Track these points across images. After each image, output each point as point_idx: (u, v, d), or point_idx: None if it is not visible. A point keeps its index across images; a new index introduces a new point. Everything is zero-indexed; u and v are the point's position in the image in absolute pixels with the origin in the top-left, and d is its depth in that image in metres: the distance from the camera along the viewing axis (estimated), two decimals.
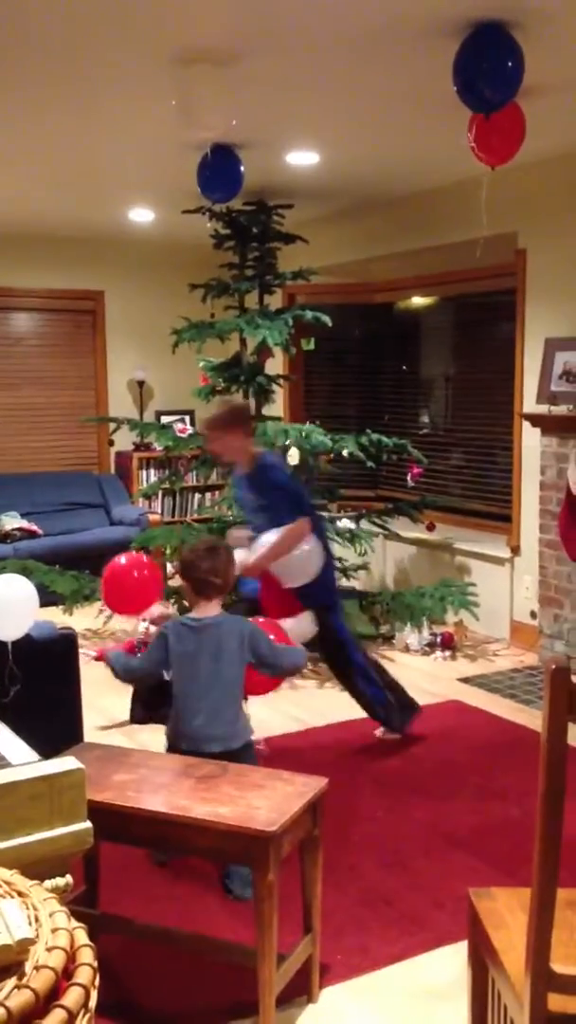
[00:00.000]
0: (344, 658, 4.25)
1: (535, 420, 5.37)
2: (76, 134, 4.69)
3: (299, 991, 2.53)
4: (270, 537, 3.93)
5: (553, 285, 5.48)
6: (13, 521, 7.15)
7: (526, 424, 5.57)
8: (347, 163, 5.42)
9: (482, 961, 2.08)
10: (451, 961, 2.69)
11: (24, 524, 7.15)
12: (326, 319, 5.78)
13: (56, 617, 4.78)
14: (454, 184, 5.95)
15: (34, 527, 7.17)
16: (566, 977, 1.73)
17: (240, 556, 3.82)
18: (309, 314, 5.79)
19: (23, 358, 7.83)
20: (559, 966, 1.73)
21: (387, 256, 6.76)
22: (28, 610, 3.55)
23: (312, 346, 6.20)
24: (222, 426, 3.99)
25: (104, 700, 4.42)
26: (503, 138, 3.47)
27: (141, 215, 6.84)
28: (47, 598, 6.00)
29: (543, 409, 5.34)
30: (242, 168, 4.82)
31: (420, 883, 3.12)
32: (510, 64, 3.18)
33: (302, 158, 5.22)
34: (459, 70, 3.24)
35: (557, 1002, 1.74)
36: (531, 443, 5.59)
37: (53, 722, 3.62)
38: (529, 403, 5.58)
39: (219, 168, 4.71)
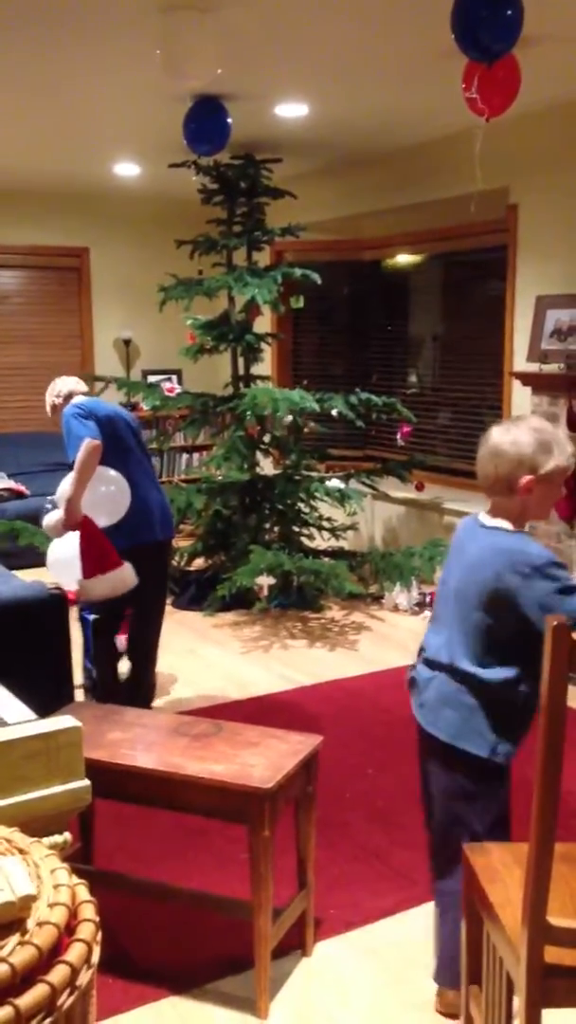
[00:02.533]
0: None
1: (526, 379, 5.34)
2: (58, 85, 4.58)
3: (294, 945, 2.55)
4: (67, 479, 3.79)
5: (545, 241, 5.42)
6: (0, 482, 7.09)
7: (516, 383, 5.54)
8: (337, 115, 5.33)
9: (477, 915, 2.10)
10: None
11: (11, 485, 7.10)
12: (315, 277, 5.72)
13: (45, 577, 4.76)
14: (445, 138, 5.86)
15: (21, 487, 7.12)
16: (562, 930, 1.75)
17: (53, 518, 3.79)
18: (298, 271, 5.72)
19: (7, 316, 7.72)
20: (555, 919, 1.74)
21: (376, 212, 6.67)
22: None
23: (301, 304, 6.14)
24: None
25: None
26: (498, 89, 3.40)
27: (127, 169, 6.72)
28: (36, 559, 5.99)
29: (534, 368, 5.30)
30: (229, 120, 4.73)
31: (411, 839, 3.14)
32: (510, 12, 3.11)
33: (291, 110, 5.12)
34: (459, 18, 3.16)
35: (553, 954, 1.76)
36: (521, 402, 5.57)
37: (44, 681, 3.61)
38: (519, 362, 5.55)
39: (205, 120, 4.63)
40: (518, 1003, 1.81)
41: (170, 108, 4.88)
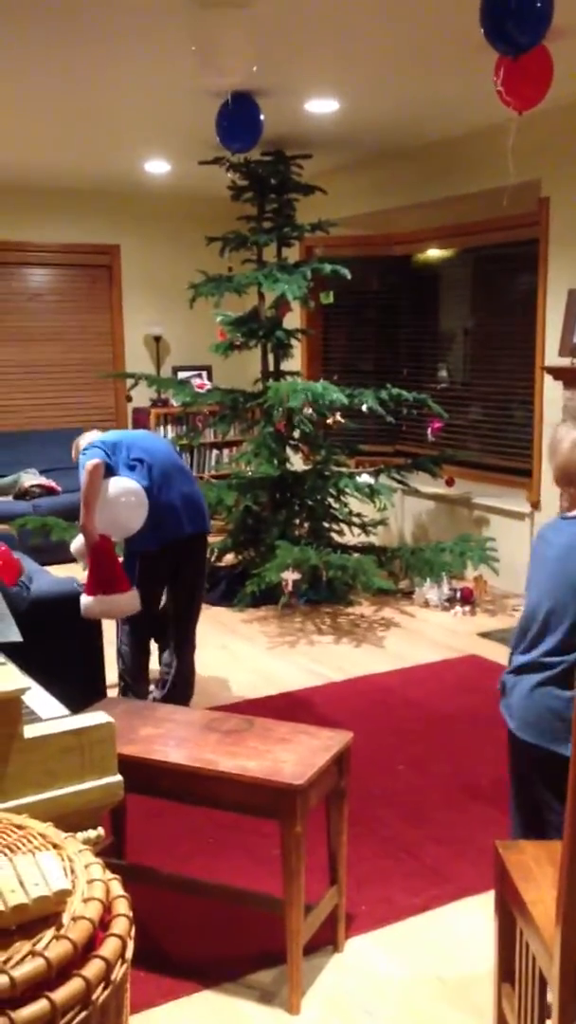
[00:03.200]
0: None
1: (557, 373, 5.30)
2: (90, 82, 4.60)
3: (325, 941, 2.56)
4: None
5: None
6: (32, 478, 7.15)
7: (548, 377, 5.50)
8: (367, 110, 5.31)
9: (509, 913, 2.10)
10: (475, 912, 2.72)
11: (43, 481, 7.16)
12: (345, 272, 5.70)
13: (76, 573, 4.79)
14: (476, 131, 5.82)
15: (52, 484, 7.17)
16: None
17: (78, 544, 3.93)
18: (328, 267, 5.71)
19: (38, 314, 7.78)
20: None
21: (406, 207, 6.64)
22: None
23: (331, 300, 6.13)
24: None
25: None
26: (531, 81, 3.38)
27: (157, 166, 6.74)
28: (67, 555, 6.04)
29: (565, 362, 5.27)
30: (262, 117, 4.72)
31: (443, 835, 3.14)
32: (539, 4, 3.08)
33: (322, 106, 5.11)
34: (487, 10, 3.14)
35: None
36: (553, 396, 5.53)
37: (75, 677, 3.64)
38: (551, 356, 5.51)
39: (239, 117, 4.62)
40: (551, 1001, 1.80)
41: (200, 105, 4.89)
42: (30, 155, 6.32)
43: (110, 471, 3.86)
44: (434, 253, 6.85)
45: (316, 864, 2.65)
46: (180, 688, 4.13)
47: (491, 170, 5.62)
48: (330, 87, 4.81)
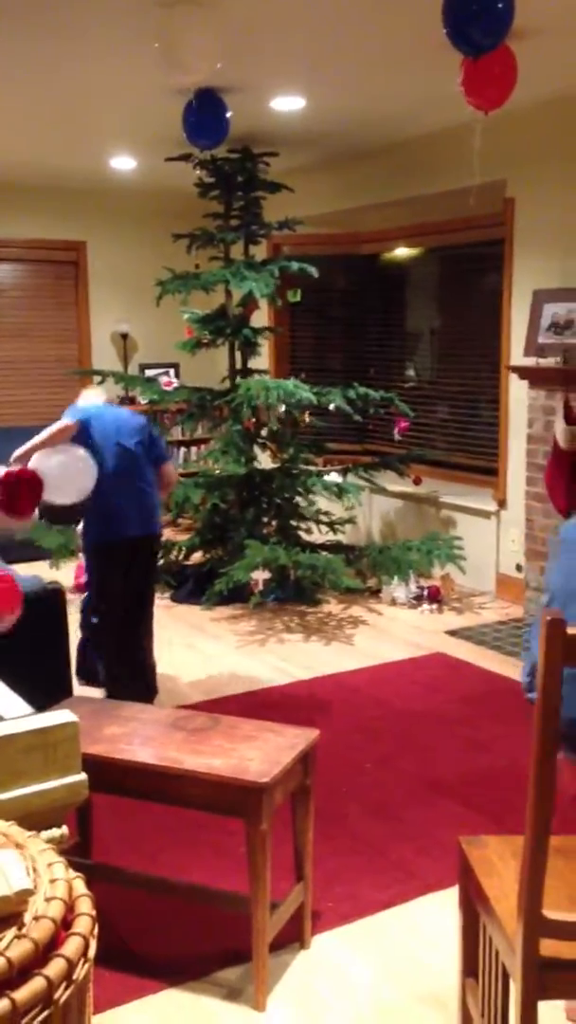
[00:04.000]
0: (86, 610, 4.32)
1: (523, 373, 5.34)
2: (55, 78, 4.57)
3: (291, 938, 2.56)
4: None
5: (542, 235, 5.42)
6: None
7: (513, 377, 5.54)
8: (334, 109, 5.32)
9: (473, 908, 2.11)
10: (440, 908, 2.73)
11: None
12: (312, 270, 5.71)
13: (43, 572, 4.76)
14: (442, 131, 5.85)
15: None
16: (558, 923, 1.75)
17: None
18: (295, 265, 5.72)
19: (3, 310, 7.71)
20: (551, 912, 1.75)
21: (373, 205, 6.67)
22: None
23: (298, 298, 6.14)
24: None
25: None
26: (493, 82, 3.40)
27: (123, 163, 6.71)
28: (33, 553, 6.01)
29: (531, 362, 5.31)
30: (228, 114, 4.72)
31: (408, 832, 3.16)
32: (500, 5, 3.10)
33: (288, 103, 5.11)
34: (448, 11, 3.16)
35: (549, 947, 1.76)
36: (518, 396, 5.57)
37: (41, 676, 3.62)
38: (516, 356, 5.55)
39: (205, 114, 4.62)
40: (514, 995, 1.82)
41: (167, 101, 4.87)
42: None
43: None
44: (401, 252, 6.87)
45: (282, 861, 2.65)
46: (143, 684, 4.14)
47: (457, 170, 5.66)
48: (296, 85, 4.82)
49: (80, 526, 4.26)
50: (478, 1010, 2.08)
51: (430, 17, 3.65)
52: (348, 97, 5.08)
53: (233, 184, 5.92)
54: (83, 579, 4.24)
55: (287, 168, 6.38)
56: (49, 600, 3.87)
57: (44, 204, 7.66)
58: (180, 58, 3.66)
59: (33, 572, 4.39)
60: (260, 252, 6.36)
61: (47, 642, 3.85)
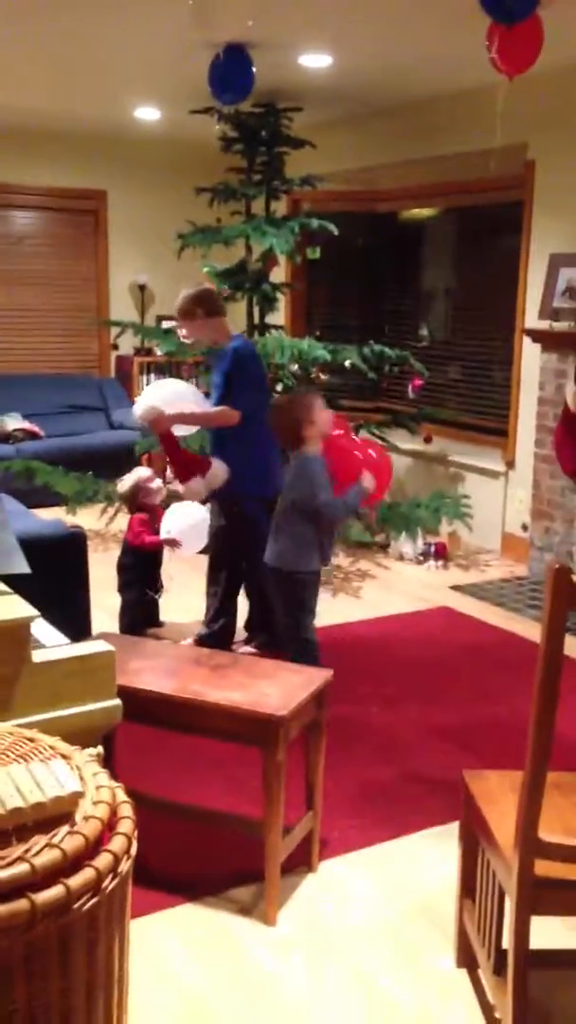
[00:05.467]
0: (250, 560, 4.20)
1: (536, 336, 5.43)
2: (84, 26, 4.60)
3: (300, 862, 2.74)
4: (201, 406, 4.17)
5: (561, 199, 5.48)
6: (15, 422, 7.21)
7: (527, 339, 5.63)
8: (360, 66, 5.35)
9: (473, 835, 2.28)
10: (440, 841, 2.91)
11: (26, 425, 7.22)
12: (332, 227, 5.77)
13: (62, 517, 4.90)
14: (465, 92, 5.87)
15: (35, 428, 7.24)
16: (551, 845, 1.92)
17: (197, 486, 4.03)
18: (315, 222, 5.77)
19: (23, 258, 7.78)
20: (545, 834, 1.91)
21: (394, 164, 6.70)
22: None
23: (317, 255, 6.19)
24: (182, 315, 4.21)
25: (109, 599, 4.57)
26: (523, 49, 3.46)
27: (147, 113, 6.73)
28: (50, 499, 6.15)
29: (544, 325, 5.40)
30: (254, 70, 4.76)
31: (412, 772, 3.33)
32: None
33: (315, 60, 5.15)
34: None
35: (542, 867, 1.93)
36: (531, 359, 5.66)
37: (62, 619, 3.76)
38: (531, 319, 5.63)
39: (232, 69, 4.67)
40: (508, 912, 1.99)
41: (194, 54, 4.91)
42: (19, 96, 6.30)
43: None
44: (419, 212, 6.91)
45: (293, 793, 2.81)
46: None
47: (478, 131, 5.69)
48: (324, 42, 4.85)
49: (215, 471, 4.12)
50: (474, 926, 2.25)
51: None
52: (374, 55, 5.11)
53: (256, 139, 5.95)
54: (149, 537, 4.34)
55: (308, 124, 6.39)
56: (71, 544, 4.00)
57: (66, 152, 7.69)
58: (212, 15, 3.72)
59: (52, 516, 4.53)
60: (280, 208, 6.41)
61: (69, 585, 3.98)
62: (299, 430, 3.51)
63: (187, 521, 4.34)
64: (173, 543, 4.32)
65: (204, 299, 4.21)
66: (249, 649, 4.37)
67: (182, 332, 4.36)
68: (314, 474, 3.51)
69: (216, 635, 4.29)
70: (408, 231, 7.06)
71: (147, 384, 7.91)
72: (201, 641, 4.25)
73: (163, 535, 4.33)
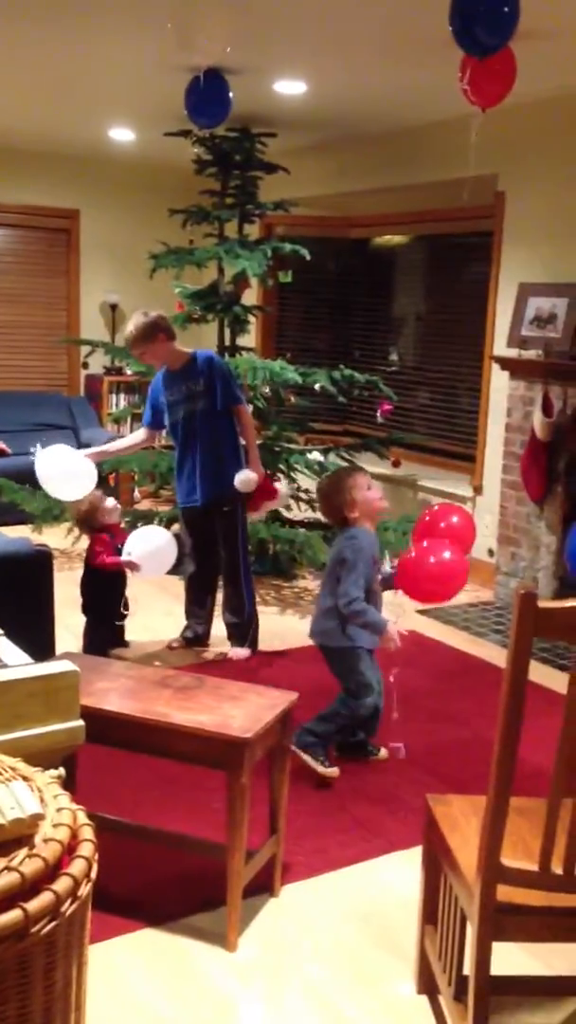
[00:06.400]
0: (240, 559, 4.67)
1: (504, 363, 5.50)
2: (61, 46, 4.63)
3: (262, 887, 2.72)
4: (250, 442, 4.58)
5: (530, 229, 5.56)
6: None
7: (495, 367, 5.69)
8: (334, 94, 5.42)
9: (435, 860, 2.27)
10: (403, 865, 2.90)
11: None
12: (304, 252, 5.81)
13: (29, 535, 4.87)
14: (438, 122, 5.96)
15: (3, 446, 7.18)
16: (513, 870, 1.92)
17: (243, 476, 4.44)
18: (288, 246, 5.81)
19: None
20: (507, 860, 1.92)
21: (366, 191, 6.77)
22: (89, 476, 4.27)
23: (290, 279, 6.23)
24: (144, 339, 4.34)
25: (73, 619, 4.53)
26: (495, 81, 3.52)
27: (122, 134, 6.76)
28: (17, 516, 6.10)
29: (513, 353, 5.46)
30: (231, 95, 4.80)
31: (376, 794, 3.32)
32: (506, 8, 3.22)
33: (290, 87, 5.20)
34: (456, 11, 3.27)
35: (504, 893, 1.93)
36: (499, 385, 5.72)
37: (26, 639, 3.73)
38: (499, 346, 5.70)
39: (209, 94, 4.70)
40: (470, 938, 1.98)
41: (169, 77, 4.94)
42: None
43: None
44: (391, 238, 6.99)
45: (256, 816, 2.80)
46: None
47: (450, 161, 5.77)
48: (300, 70, 4.91)
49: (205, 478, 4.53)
50: (436, 952, 2.25)
51: (433, 11, 3.76)
52: (349, 84, 5.18)
53: (230, 163, 5.99)
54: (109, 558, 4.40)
55: (283, 149, 6.45)
56: (36, 562, 3.97)
57: (39, 170, 7.70)
58: (192, 40, 3.75)
59: (19, 534, 4.50)
60: (253, 231, 6.45)
61: (33, 604, 3.95)
62: (341, 513, 3.53)
63: (148, 546, 4.31)
64: (132, 566, 4.29)
65: (162, 323, 4.39)
66: (241, 652, 4.59)
67: (141, 357, 4.49)
68: (346, 558, 3.49)
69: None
70: (380, 257, 7.13)
71: (116, 403, 7.91)
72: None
73: (124, 556, 4.31)
